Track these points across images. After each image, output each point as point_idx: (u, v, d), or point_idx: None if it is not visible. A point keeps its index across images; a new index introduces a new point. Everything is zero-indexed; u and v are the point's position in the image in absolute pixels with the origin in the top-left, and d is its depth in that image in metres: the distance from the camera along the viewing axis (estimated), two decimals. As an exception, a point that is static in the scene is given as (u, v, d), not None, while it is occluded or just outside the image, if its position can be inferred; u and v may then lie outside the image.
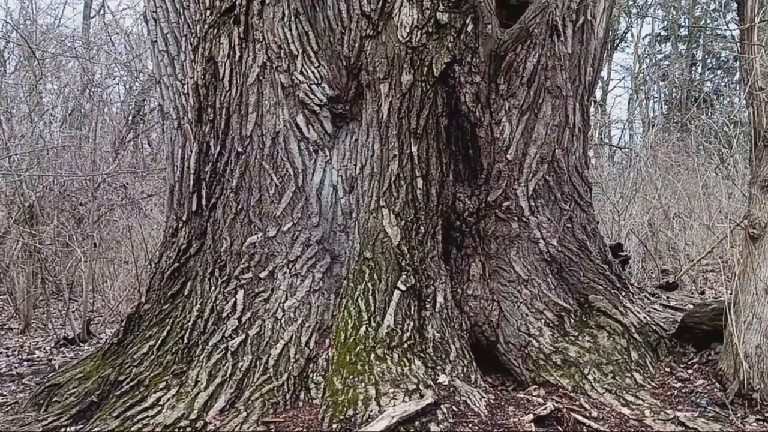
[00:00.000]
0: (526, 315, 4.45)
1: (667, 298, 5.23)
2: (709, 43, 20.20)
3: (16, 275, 7.85)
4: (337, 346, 3.95)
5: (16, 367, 5.90)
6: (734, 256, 4.84)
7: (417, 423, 3.43)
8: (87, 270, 7.54)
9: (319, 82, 4.47)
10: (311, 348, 4.16)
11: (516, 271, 4.53)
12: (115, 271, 9.11)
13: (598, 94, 19.27)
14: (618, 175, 11.76)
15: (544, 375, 4.25)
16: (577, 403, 3.94)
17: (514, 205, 4.56)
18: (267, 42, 4.52)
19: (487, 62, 4.39)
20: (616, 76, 22.80)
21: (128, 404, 3.92)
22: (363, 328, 3.95)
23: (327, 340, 4.16)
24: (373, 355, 3.83)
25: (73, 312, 7.43)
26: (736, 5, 4.55)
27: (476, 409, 3.68)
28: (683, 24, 22.36)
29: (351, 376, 3.75)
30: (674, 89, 21.24)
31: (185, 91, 4.87)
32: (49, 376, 4.93)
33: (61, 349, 6.57)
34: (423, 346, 4.04)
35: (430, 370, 3.90)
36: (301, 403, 3.94)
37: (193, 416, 3.80)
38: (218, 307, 4.31)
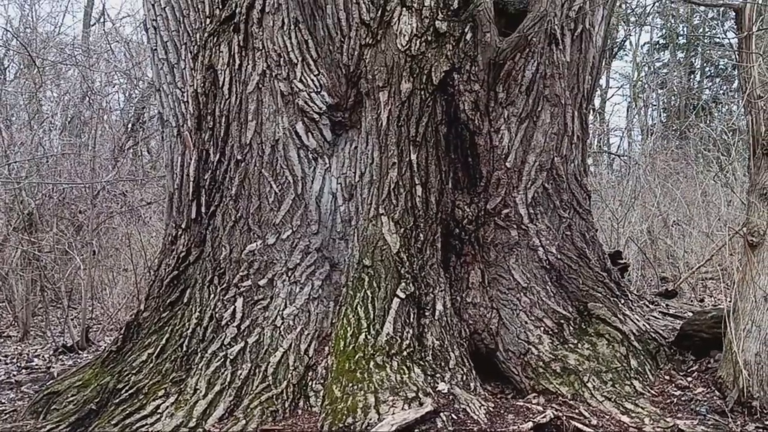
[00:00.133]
0: (526, 323, 4.45)
1: (666, 305, 5.23)
2: (708, 52, 20.26)
3: (15, 282, 7.84)
4: (337, 354, 3.95)
5: (14, 375, 5.89)
6: (733, 264, 4.84)
7: (416, 431, 3.42)
8: (86, 277, 7.52)
9: (319, 90, 4.48)
10: (310, 356, 4.16)
11: (515, 279, 4.53)
12: (114, 279, 9.10)
13: (597, 102, 19.31)
14: (617, 183, 11.77)
15: (543, 383, 4.24)
16: (577, 411, 3.93)
17: (513, 213, 4.56)
18: (267, 50, 4.53)
19: (486, 70, 4.40)
20: (615, 84, 22.86)
21: (127, 412, 3.91)
22: (362, 336, 3.94)
23: (326, 348, 4.16)
24: (372, 363, 3.83)
25: (72, 319, 7.41)
26: (734, 14, 4.57)
27: (476, 417, 3.68)
28: (682, 32, 22.43)
29: (350, 384, 3.74)
30: (673, 97, 21.28)
31: (185, 99, 4.88)
32: (47, 383, 4.92)
33: (60, 356, 6.55)
34: (422, 354, 4.03)
35: (429, 377, 3.89)
36: (300, 411, 3.94)
37: (191, 424, 3.79)
38: (217, 315, 4.30)
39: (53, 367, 6.11)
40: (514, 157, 4.55)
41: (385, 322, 4.01)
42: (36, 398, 4.55)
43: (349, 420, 3.54)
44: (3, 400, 5.10)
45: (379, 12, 4.43)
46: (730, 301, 4.17)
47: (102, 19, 17.44)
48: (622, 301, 4.68)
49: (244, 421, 3.80)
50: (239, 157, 4.58)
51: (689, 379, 4.28)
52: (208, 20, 4.83)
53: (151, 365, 4.25)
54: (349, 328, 4.01)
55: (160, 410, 3.90)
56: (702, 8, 17.69)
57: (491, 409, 3.92)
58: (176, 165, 4.94)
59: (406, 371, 3.84)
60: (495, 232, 4.57)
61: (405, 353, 3.94)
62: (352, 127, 4.55)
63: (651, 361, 4.40)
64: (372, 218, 4.33)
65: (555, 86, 4.61)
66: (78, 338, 6.83)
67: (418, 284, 4.24)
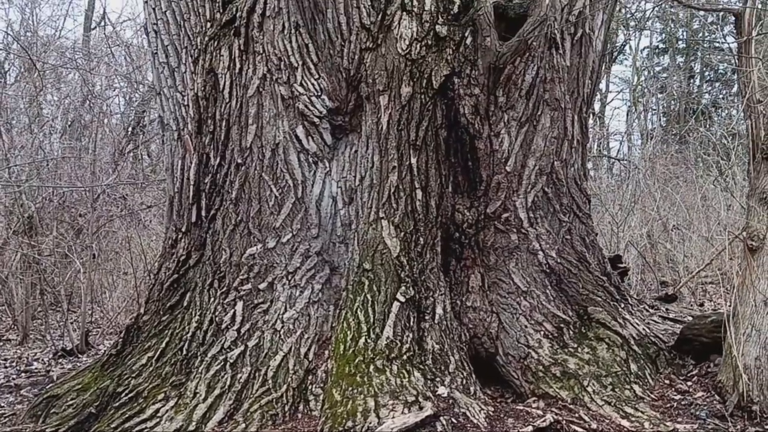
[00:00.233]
0: (526, 327, 4.45)
1: (666, 310, 5.23)
2: (707, 56, 20.29)
3: (14, 286, 7.84)
4: (336, 358, 3.95)
5: (14, 379, 5.89)
6: (733, 268, 4.84)
7: (416, 435, 3.42)
8: (86, 281, 7.52)
9: (319, 94, 4.48)
10: (310, 359, 4.16)
11: (515, 283, 4.53)
12: (114, 282, 9.10)
13: (597, 106, 19.32)
14: (617, 187, 11.78)
15: (543, 387, 4.24)
16: (577, 415, 3.93)
17: (513, 217, 4.56)
18: (267, 54, 4.54)
19: (486, 75, 4.41)
20: (615, 89, 22.84)
21: (126, 416, 3.91)
22: (362, 340, 3.94)
23: (326, 352, 4.16)
24: (372, 367, 3.83)
25: (71, 323, 7.41)
26: (733, 19, 4.58)
27: (475, 421, 3.68)
28: (681, 37, 22.46)
29: (350, 388, 3.74)
30: (672, 101, 21.30)
31: (185, 103, 4.88)
32: (47, 387, 4.91)
33: (60, 360, 6.55)
34: (422, 358, 4.03)
35: (429, 381, 3.89)
36: (300, 415, 3.94)
37: (191, 428, 3.79)
38: (217, 319, 4.30)
39: (53, 371, 6.10)
40: (514, 161, 4.55)
41: (385, 325, 4.01)
42: (35, 402, 4.55)
43: (349, 424, 3.54)
44: (2, 404, 5.10)
45: (380, 16, 4.44)
46: (729, 306, 4.18)
47: (103, 23, 17.47)
48: (622, 305, 4.68)
49: (243, 425, 3.80)
50: (239, 161, 4.59)
51: (689, 383, 4.28)
52: (208, 24, 4.84)
53: (151, 369, 4.25)
54: (349, 332, 4.01)
55: (159, 414, 3.90)
56: (702, 13, 17.71)
57: (491, 413, 3.92)
58: (176, 168, 4.95)
59: (406, 375, 3.84)
60: (495, 236, 4.57)
61: (405, 357, 3.94)
62: (353, 131, 4.56)
63: (651, 365, 4.40)
64: (372, 222, 4.33)
65: (555, 90, 4.62)
66: (77, 342, 6.83)
67: (418, 288, 4.24)
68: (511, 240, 4.57)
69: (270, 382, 4.01)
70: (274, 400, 3.94)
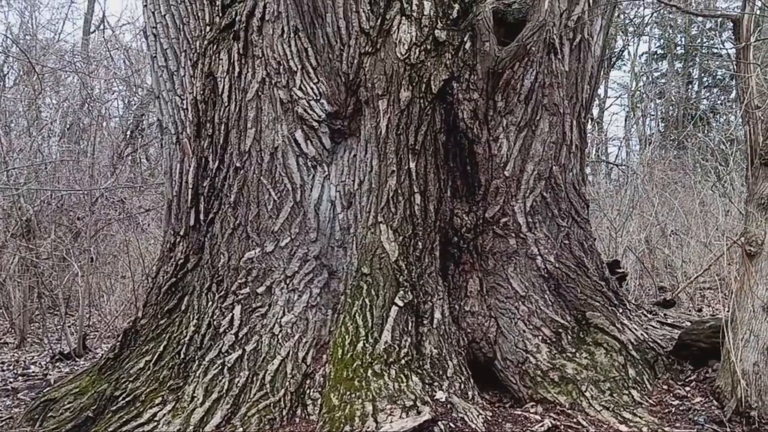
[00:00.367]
0: (524, 331, 4.45)
1: (665, 315, 5.23)
2: (706, 62, 20.33)
3: (12, 289, 7.82)
4: (335, 362, 3.94)
5: (11, 382, 5.87)
6: (731, 274, 4.84)
7: (414, 439, 3.42)
8: (84, 284, 7.52)
9: (318, 98, 4.49)
10: (308, 364, 4.15)
11: (513, 288, 4.53)
12: (111, 286, 9.08)
13: (595, 111, 19.35)
14: (615, 192, 11.79)
15: (541, 392, 4.24)
16: (575, 420, 3.93)
17: (511, 222, 4.56)
18: (266, 58, 4.54)
19: (485, 79, 4.41)
20: (613, 94, 22.88)
21: (124, 420, 3.90)
22: (360, 344, 3.94)
23: (324, 356, 4.16)
24: (370, 371, 3.82)
25: (69, 327, 7.40)
26: (732, 25, 4.59)
27: (473, 426, 3.67)
28: (680, 42, 22.50)
29: (348, 392, 3.73)
30: (671, 107, 21.33)
31: (184, 107, 4.88)
32: (44, 391, 4.91)
33: (57, 363, 6.53)
34: (420, 362, 4.03)
35: (427, 386, 3.89)
36: (297, 419, 3.93)
37: (189, 432, 3.78)
38: (215, 323, 4.30)
39: (50, 375, 6.09)
40: (512, 166, 4.55)
41: (383, 330, 4.00)
42: (32, 405, 4.54)
43: (347, 428, 3.53)
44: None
45: (379, 21, 4.44)
46: (728, 311, 4.17)
47: (102, 27, 17.50)
48: (620, 311, 4.68)
49: (241, 429, 3.79)
50: (238, 165, 4.59)
51: (687, 388, 4.27)
52: (208, 28, 4.84)
53: (149, 372, 4.24)
54: (347, 336, 4.00)
55: (157, 418, 3.89)
56: (700, 19, 17.77)
57: (489, 418, 3.92)
58: (175, 172, 4.95)
59: (404, 379, 3.84)
60: (493, 241, 4.57)
61: (403, 361, 3.93)
62: (351, 135, 4.56)
63: (649, 370, 4.40)
64: (371, 226, 4.33)
65: (554, 95, 4.63)
66: (75, 345, 6.82)
67: (416, 292, 4.24)
68: (509, 245, 4.57)
69: (268, 386, 4.00)
70: (272, 405, 3.93)
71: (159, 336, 4.50)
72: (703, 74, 22.26)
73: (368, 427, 3.51)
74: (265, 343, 4.18)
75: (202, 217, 4.75)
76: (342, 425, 3.56)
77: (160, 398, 4.01)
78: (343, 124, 4.54)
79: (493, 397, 4.43)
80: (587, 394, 4.14)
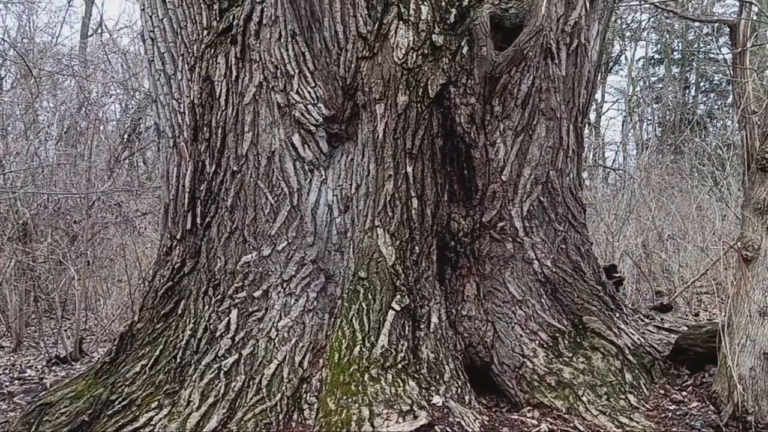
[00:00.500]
0: (521, 336, 4.45)
1: (661, 319, 5.23)
2: (703, 67, 20.38)
3: (8, 293, 7.80)
4: (331, 367, 3.94)
5: (7, 386, 5.85)
6: (728, 279, 4.85)
7: (411, 444, 3.41)
8: (80, 288, 7.50)
9: (315, 102, 4.49)
10: (305, 368, 4.15)
11: (510, 292, 4.53)
12: (108, 290, 9.07)
13: (593, 116, 19.39)
14: (612, 197, 11.80)
15: (538, 396, 4.23)
16: (572, 425, 3.93)
17: (508, 226, 4.57)
18: (264, 62, 4.54)
19: (482, 84, 4.42)
20: (610, 99, 22.93)
21: (120, 424, 3.89)
22: (357, 348, 3.93)
23: (321, 360, 4.15)
24: (367, 376, 3.82)
25: (65, 330, 7.38)
26: (728, 30, 4.60)
27: (470, 431, 3.67)
28: (677, 47, 22.57)
29: (344, 397, 3.73)
30: (668, 112, 21.38)
31: (181, 110, 4.88)
32: (40, 395, 4.89)
33: (53, 367, 6.52)
34: (417, 367, 4.02)
35: (424, 390, 3.88)
36: (294, 424, 3.92)
37: (185, 436, 3.77)
38: (212, 327, 4.29)
39: (46, 378, 6.07)
40: (509, 170, 4.56)
41: (380, 334, 4.00)
42: (28, 409, 4.52)
43: (343, 433, 3.53)
44: (-5, 411, 5.07)
45: (376, 25, 4.45)
46: (724, 316, 4.18)
47: (99, 30, 17.50)
48: (617, 315, 4.68)
49: (237, 434, 3.78)
50: (235, 169, 4.59)
51: (684, 393, 4.28)
52: (205, 32, 4.84)
53: (145, 377, 4.23)
54: (344, 341, 4.00)
55: (153, 422, 3.88)
56: (697, 24, 17.82)
57: (486, 422, 3.91)
58: (172, 176, 4.94)
59: (401, 384, 3.83)
60: (490, 245, 4.57)
61: (400, 366, 3.93)
62: (349, 139, 4.56)
63: (646, 375, 4.40)
64: (368, 230, 4.33)
65: (550, 100, 4.63)
66: (71, 349, 6.80)
67: (413, 297, 4.23)
68: (506, 249, 4.57)
69: (264, 390, 4.00)
70: (268, 409, 3.92)
71: (155, 340, 4.49)
72: (700, 79, 22.33)
73: (365, 432, 3.50)
74: (262, 347, 4.17)
75: (198, 220, 4.74)
76: (339, 429, 3.55)
77: (156, 402, 4.00)
78: (340, 128, 4.54)
79: (489, 401, 4.43)
80: (584, 398, 4.14)
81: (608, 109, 23.16)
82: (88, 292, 8.21)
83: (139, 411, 3.96)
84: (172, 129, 4.94)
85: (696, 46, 21.18)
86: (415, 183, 4.39)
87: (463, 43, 4.44)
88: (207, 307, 4.39)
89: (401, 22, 4.44)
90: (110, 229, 9.45)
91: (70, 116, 11.39)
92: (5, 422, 4.68)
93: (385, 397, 3.72)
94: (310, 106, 4.48)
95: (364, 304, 4.10)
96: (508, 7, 4.50)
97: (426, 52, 4.44)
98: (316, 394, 4.00)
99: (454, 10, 4.55)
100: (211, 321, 4.31)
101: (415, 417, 3.59)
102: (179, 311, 4.57)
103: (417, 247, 4.35)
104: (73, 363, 6.61)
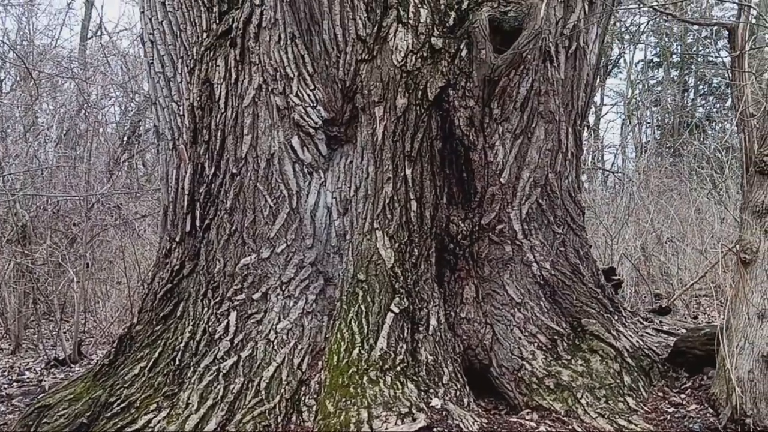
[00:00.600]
0: (519, 338, 4.45)
1: (660, 322, 5.23)
2: (701, 70, 20.42)
3: (7, 295, 7.79)
4: (330, 369, 3.94)
5: (5, 388, 5.85)
6: (726, 281, 4.85)
7: (409, 446, 3.41)
8: (79, 290, 7.49)
9: (315, 104, 4.49)
10: (304, 370, 4.15)
11: (509, 294, 4.53)
12: (107, 292, 9.06)
13: (592, 119, 19.41)
14: (611, 200, 11.80)
15: (537, 399, 4.24)
16: (570, 427, 3.93)
17: (507, 229, 4.57)
18: (263, 65, 4.55)
19: (481, 87, 4.43)
20: (609, 102, 22.95)
21: (118, 426, 3.89)
22: (356, 351, 3.94)
23: (320, 363, 4.15)
24: (365, 378, 3.82)
25: (64, 332, 7.37)
26: (727, 33, 4.61)
27: (469, 433, 3.66)
28: (675, 51, 22.59)
29: (343, 399, 3.73)
30: (667, 115, 21.40)
31: (181, 113, 4.88)
32: (39, 397, 4.88)
33: (52, 370, 6.51)
34: (416, 369, 4.02)
35: (422, 393, 3.88)
36: (292, 426, 3.92)
37: (183, 439, 3.77)
38: (210, 329, 4.29)
39: (45, 381, 6.07)
40: (508, 173, 4.56)
41: (378, 336, 4.00)
42: (27, 412, 4.51)
43: (342, 435, 3.53)
44: (-7, 414, 5.06)
45: (376, 28, 4.46)
46: (723, 318, 4.18)
47: (99, 33, 17.50)
48: (616, 318, 4.69)
49: (236, 436, 3.78)
50: (234, 171, 4.59)
51: (682, 395, 4.28)
52: (204, 34, 4.85)
53: (144, 379, 4.22)
54: (342, 343, 4.00)
55: (151, 424, 3.88)
56: (696, 27, 17.84)
57: (484, 425, 3.91)
58: (171, 178, 4.94)
59: (400, 386, 3.84)
60: (489, 248, 4.58)
61: (398, 368, 3.93)
62: (348, 141, 4.57)
63: (644, 377, 4.40)
64: (367, 233, 4.33)
65: (549, 103, 4.64)
66: (70, 351, 6.80)
67: (412, 299, 4.24)
68: (505, 251, 4.57)
69: (263, 392, 3.99)
70: (267, 411, 3.92)
71: (154, 342, 4.49)
72: (698, 82, 22.36)
73: (363, 434, 3.50)
74: (261, 349, 4.17)
75: (198, 223, 4.75)
76: (337, 432, 3.55)
77: (155, 405, 3.99)
78: (339, 131, 4.55)
79: (488, 404, 4.43)
80: (583, 401, 4.14)
81: (607, 112, 23.19)
82: (87, 294, 8.21)
83: (137, 413, 3.96)
84: (172, 131, 4.95)
85: (695, 49, 21.21)
86: (414, 185, 4.40)
87: (462, 46, 4.45)
88: (206, 309, 4.39)
89: (400, 25, 4.45)
90: (109, 231, 9.46)
91: (70, 118, 11.41)
92: (4, 425, 4.68)
93: (384, 399, 3.72)
94: (309, 109, 4.49)
95: (363, 307, 4.11)
96: (507, 11, 4.51)
97: (425, 55, 4.45)
98: (315, 396, 4.00)
99: (453, 13, 4.56)
100: (210, 323, 4.31)
101: (414, 419, 3.59)
102: (178, 313, 4.57)
103: (416, 250, 4.36)
104: (71, 365, 6.61)
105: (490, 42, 4.40)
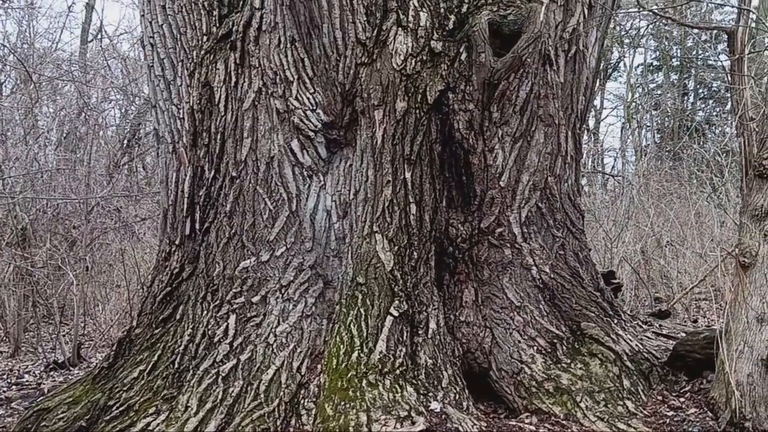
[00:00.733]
0: (519, 342, 4.45)
1: (660, 326, 5.23)
2: (701, 74, 20.43)
3: (7, 298, 7.79)
4: (329, 372, 3.94)
5: (5, 391, 5.84)
6: (726, 285, 4.85)
7: (408, 450, 3.41)
8: (79, 293, 7.49)
9: (314, 108, 4.50)
10: (303, 374, 4.15)
11: (508, 298, 4.53)
12: (106, 295, 9.06)
13: (591, 122, 19.42)
14: (610, 203, 11.80)
15: (536, 402, 4.23)
16: (570, 431, 3.92)
17: (506, 232, 4.57)
18: (263, 68, 4.55)
19: (481, 90, 4.43)
20: (609, 105, 22.95)
21: (117, 429, 3.89)
22: (355, 354, 3.93)
23: (319, 366, 4.15)
24: (365, 381, 3.82)
25: (63, 336, 7.37)
26: (726, 37, 4.62)
27: (468, 437, 3.66)
28: (675, 54, 22.62)
29: (342, 402, 3.73)
30: (666, 118, 21.41)
31: (181, 116, 4.89)
32: (38, 400, 4.88)
33: (51, 373, 6.50)
34: (415, 373, 4.02)
35: (422, 396, 3.88)
36: (291, 429, 3.91)
37: (182, 442, 3.77)
38: (210, 332, 4.29)
39: (44, 384, 6.06)
40: (507, 177, 4.57)
41: (378, 340, 4.00)
42: (26, 415, 4.51)
43: (341, 438, 3.52)
44: (-8, 417, 5.06)
45: (375, 31, 4.46)
46: (722, 322, 4.18)
47: (99, 36, 17.49)
48: (615, 321, 4.68)
49: (235, 439, 3.78)
50: (234, 174, 4.59)
51: (682, 399, 4.27)
52: (204, 38, 4.86)
53: (143, 382, 4.22)
54: (342, 346, 4.00)
55: (151, 427, 3.88)
56: (695, 31, 17.86)
57: (484, 428, 3.91)
58: (171, 181, 4.95)
59: (399, 390, 3.83)
60: (488, 251, 4.58)
61: (398, 372, 3.93)
62: (347, 145, 4.57)
63: (644, 381, 4.40)
64: (366, 236, 4.33)
65: (549, 106, 4.64)
66: (69, 354, 6.79)
67: (411, 302, 4.24)
68: (504, 255, 4.57)
69: (262, 396, 3.99)
70: (266, 414, 3.91)
71: (153, 345, 4.49)
72: (698, 86, 22.37)
73: (362, 438, 3.50)
74: (260, 352, 4.17)
75: (197, 226, 4.75)
76: (336, 435, 3.55)
77: (154, 408, 3.99)
78: (339, 134, 4.55)
79: (488, 407, 4.43)
80: (582, 404, 4.14)
81: (607, 116, 23.20)
82: (86, 297, 8.21)
83: (136, 416, 3.96)
84: (172, 134, 4.95)
85: (694, 53, 21.24)
86: (413, 189, 4.40)
87: (461, 50, 4.45)
88: (205, 312, 4.39)
89: (400, 28, 4.45)
90: (109, 234, 9.46)
91: (70, 121, 11.41)
92: (3, 428, 4.67)
93: (383, 402, 3.71)
94: (308, 112, 4.49)
95: (362, 310, 4.10)
96: (507, 14, 4.52)
97: (425, 58, 4.46)
98: (314, 399, 4.00)
99: (452, 17, 4.57)
100: (210, 326, 4.31)
101: (413, 423, 3.59)
102: (178, 316, 4.57)
103: (415, 253, 4.36)
104: (71, 368, 6.60)
105: (490, 45, 4.40)
